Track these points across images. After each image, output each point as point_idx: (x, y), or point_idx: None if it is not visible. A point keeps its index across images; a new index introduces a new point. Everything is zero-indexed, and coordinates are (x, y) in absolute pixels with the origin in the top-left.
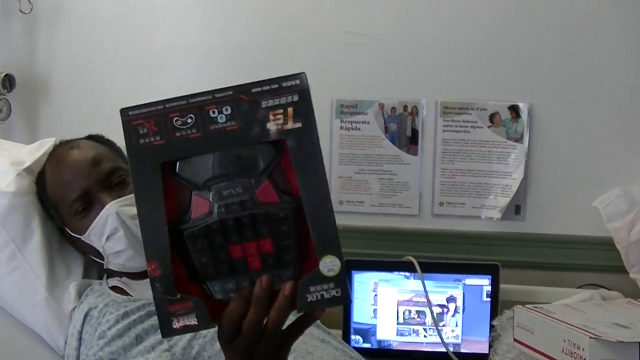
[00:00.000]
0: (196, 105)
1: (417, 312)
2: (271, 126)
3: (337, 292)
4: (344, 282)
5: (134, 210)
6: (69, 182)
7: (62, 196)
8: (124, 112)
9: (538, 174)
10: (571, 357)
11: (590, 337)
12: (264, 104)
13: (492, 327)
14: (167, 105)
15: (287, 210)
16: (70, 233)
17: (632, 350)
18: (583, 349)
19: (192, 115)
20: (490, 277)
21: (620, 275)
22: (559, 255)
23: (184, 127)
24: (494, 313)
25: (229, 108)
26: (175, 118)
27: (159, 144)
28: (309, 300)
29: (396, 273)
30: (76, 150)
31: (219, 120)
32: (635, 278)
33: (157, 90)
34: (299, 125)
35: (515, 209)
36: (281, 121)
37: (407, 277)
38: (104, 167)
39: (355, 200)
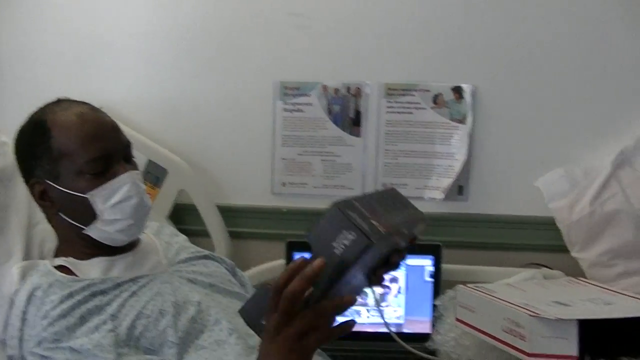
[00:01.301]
0: None
1: None
2: None
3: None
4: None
5: (144, 186)
6: (94, 139)
7: (80, 150)
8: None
9: (481, 154)
10: (511, 335)
11: (530, 315)
12: None
13: (434, 307)
14: None
15: None
16: (59, 188)
17: (570, 328)
18: (523, 327)
19: None
20: (432, 257)
21: (562, 254)
22: (502, 235)
23: None
24: (437, 293)
25: None
26: None
27: None
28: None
29: None
30: (99, 113)
31: None
32: (577, 257)
33: (101, 76)
34: None
35: (458, 189)
36: None
37: None
38: (123, 138)
39: (298, 182)
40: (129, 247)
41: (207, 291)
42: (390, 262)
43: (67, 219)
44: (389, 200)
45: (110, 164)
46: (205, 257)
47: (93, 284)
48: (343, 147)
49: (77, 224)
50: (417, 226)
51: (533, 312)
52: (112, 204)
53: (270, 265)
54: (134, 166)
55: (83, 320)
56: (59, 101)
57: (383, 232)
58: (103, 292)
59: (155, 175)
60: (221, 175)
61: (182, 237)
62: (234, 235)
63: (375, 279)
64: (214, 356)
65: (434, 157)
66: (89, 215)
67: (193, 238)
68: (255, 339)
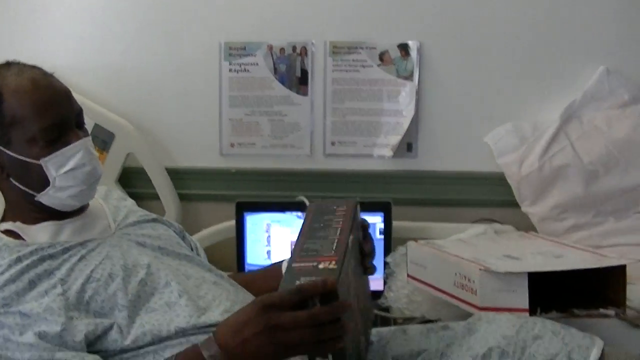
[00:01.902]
0: None
1: None
2: None
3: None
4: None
5: (96, 153)
6: (48, 106)
7: (33, 117)
8: None
9: (429, 111)
10: (463, 289)
11: (480, 269)
12: None
13: (386, 264)
14: None
15: None
16: (11, 154)
17: (521, 281)
18: (473, 281)
19: None
20: (382, 214)
21: (513, 209)
22: (452, 191)
23: None
24: (388, 250)
25: None
26: None
27: None
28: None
29: (288, 213)
30: (52, 78)
31: None
32: (527, 212)
33: (45, 40)
34: None
35: (407, 146)
36: None
37: (299, 217)
38: (75, 104)
39: (246, 142)
40: (78, 211)
41: (157, 254)
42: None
43: (18, 184)
44: (317, 220)
45: (64, 131)
46: (154, 220)
47: (41, 249)
48: (290, 107)
49: (28, 190)
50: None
51: (483, 266)
52: (65, 171)
53: (221, 227)
54: (85, 133)
55: (32, 284)
56: (9, 64)
57: (336, 267)
58: (52, 257)
59: (102, 139)
60: (169, 138)
61: (130, 201)
62: (183, 198)
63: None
64: (164, 318)
65: (382, 114)
66: (41, 181)
67: (142, 201)
68: (205, 301)
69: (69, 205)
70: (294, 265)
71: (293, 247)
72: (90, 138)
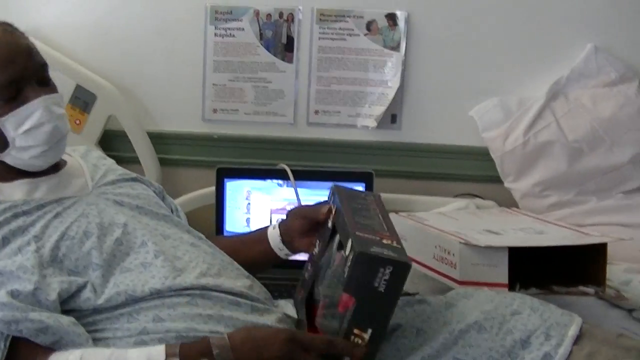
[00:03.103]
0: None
1: None
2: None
3: (351, 254)
4: (355, 244)
5: (61, 110)
6: (5, 64)
7: None
8: None
9: (415, 83)
10: (442, 262)
11: (461, 242)
12: None
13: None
14: None
15: None
16: None
17: (501, 255)
18: (453, 254)
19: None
20: (364, 184)
21: (495, 185)
22: (435, 164)
23: None
24: None
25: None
26: None
27: None
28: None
29: (269, 181)
30: (13, 35)
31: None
32: (510, 187)
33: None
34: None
35: (392, 117)
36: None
37: (280, 185)
38: (38, 59)
39: (229, 109)
40: (54, 169)
41: (134, 213)
42: None
43: None
44: (352, 201)
45: (22, 89)
46: (133, 179)
47: (15, 206)
48: (275, 74)
49: None
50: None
51: (464, 239)
52: (24, 130)
53: (201, 193)
54: (51, 88)
55: (6, 241)
56: None
57: (401, 247)
58: (26, 213)
59: (84, 100)
60: (151, 101)
61: (110, 161)
62: (164, 162)
63: None
64: (139, 278)
65: (367, 84)
66: (1, 142)
67: (123, 165)
68: (182, 262)
69: (34, 166)
70: (358, 233)
71: (339, 218)
72: (55, 95)
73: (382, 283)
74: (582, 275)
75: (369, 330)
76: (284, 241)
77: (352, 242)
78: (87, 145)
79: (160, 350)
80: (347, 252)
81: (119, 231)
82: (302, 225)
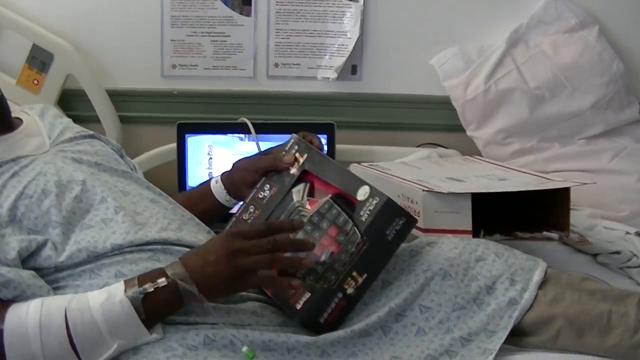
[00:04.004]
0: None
1: None
2: (293, 170)
3: (377, 200)
4: (377, 192)
5: None
6: None
7: None
8: None
9: (374, 33)
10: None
11: (423, 190)
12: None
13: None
14: None
15: None
16: None
17: (464, 202)
18: (416, 202)
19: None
20: (325, 136)
21: (458, 133)
22: (397, 114)
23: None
24: None
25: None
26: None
27: None
28: (363, 219)
29: (230, 135)
30: None
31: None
32: (472, 136)
33: None
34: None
35: (352, 68)
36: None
37: (241, 139)
38: None
39: (188, 64)
40: (8, 128)
41: (93, 170)
42: None
43: None
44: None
45: None
46: (91, 136)
47: None
48: (233, 27)
49: None
50: None
51: (426, 187)
52: None
53: (162, 150)
54: None
55: None
56: None
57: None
58: None
59: (41, 60)
60: (110, 59)
61: (67, 119)
62: (124, 120)
63: None
64: (100, 235)
65: (326, 35)
66: None
67: (83, 124)
68: (142, 218)
69: None
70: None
71: (324, 167)
72: None
73: (392, 233)
74: (546, 221)
75: (364, 275)
76: (229, 193)
77: (371, 189)
78: (43, 104)
79: (119, 284)
80: (363, 197)
81: (78, 188)
82: (252, 177)
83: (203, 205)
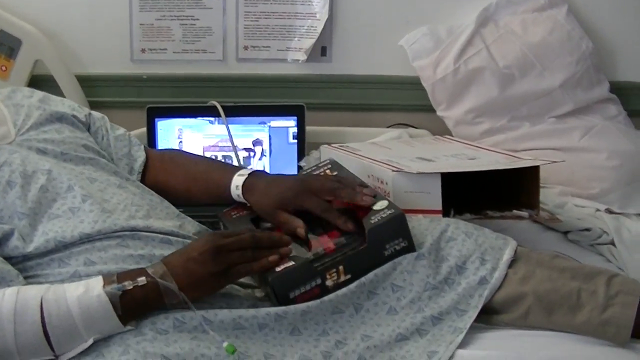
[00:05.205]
0: None
1: (224, 157)
2: None
3: (391, 211)
4: (394, 206)
5: None
6: None
7: None
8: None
9: (343, 14)
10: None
11: (393, 171)
12: None
13: (299, 167)
14: None
15: None
16: None
17: (434, 182)
18: (386, 183)
19: None
20: (295, 118)
21: (428, 114)
22: (367, 95)
23: None
24: (301, 154)
25: None
26: None
27: None
28: (372, 222)
29: (200, 118)
30: None
31: None
32: (443, 116)
33: None
34: (334, 173)
35: (321, 50)
36: None
37: (211, 123)
38: None
39: (157, 48)
40: None
41: (58, 160)
42: None
43: None
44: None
45: None
46: (59, 119)
47: None
48: (202, 10)
49: None
50: None
51: (396, 167)
52: None
53: (133, 134)
54: None
55: None
56: None
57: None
58: None
59: (8, 46)
60: (78, 44)
61: (36, 98)
62: (94, 105)
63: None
64: (68, 224)
65: (295, 17)
66: None
67: None
68: (110, 205)
69: None
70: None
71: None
72: None
73: (391, 249)
74: (517, 200)
75: (348, 276)
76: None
77: (389, 203)
78: (13, 87)
79: (97, 278)
80: (379, 208)
81: (44, 178)
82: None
83: (213, 194)
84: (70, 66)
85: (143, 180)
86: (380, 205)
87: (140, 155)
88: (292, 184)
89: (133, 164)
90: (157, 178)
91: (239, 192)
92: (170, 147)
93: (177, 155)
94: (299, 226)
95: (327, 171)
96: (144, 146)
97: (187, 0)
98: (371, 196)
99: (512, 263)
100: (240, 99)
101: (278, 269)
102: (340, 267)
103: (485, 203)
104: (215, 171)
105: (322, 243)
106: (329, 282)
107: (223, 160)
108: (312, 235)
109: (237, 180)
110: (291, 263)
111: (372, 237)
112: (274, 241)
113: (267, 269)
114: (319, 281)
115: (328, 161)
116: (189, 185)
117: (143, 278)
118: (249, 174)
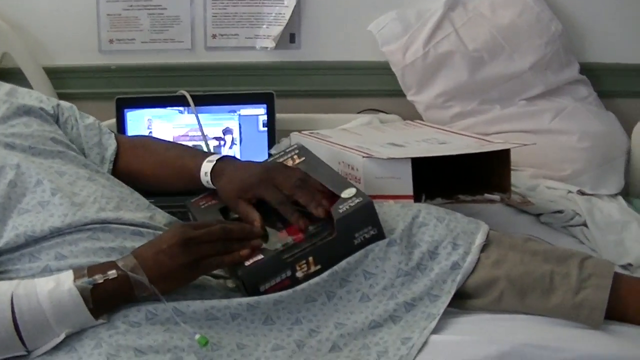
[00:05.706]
0: None
1: (194, 146)
2: None
3: (359, 199)
4: (362, 194)
5: None
6: None
7: None
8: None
9: (311, 0)
10: (347, 178)
11: (363, 157)
12: None
13: (270, 155)
14: None
15: None
16: None
17: (404, 167)
18: (357, 169)
19: None
20: (265, 105)
21: (398, 99)
22: (337, 81)
23: None
24: (272, 142)
25: None
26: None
27: None
28: (340, 211)
29: (169, 108)
30: None
31: None
32: (413, 100)
33: None
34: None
35: (290, 37)
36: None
37: (181, 112)
38: None
39: (125, 38)
40: None
41: (26, 155)
42: None
43: None
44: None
45: None
46: (27, 112)
47: None
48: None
49: None
50: None
51: (367, 153)
52: None
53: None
54: None
55: None
56: None
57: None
58: None
59: None
60: (45, 35)
61: (4, 90)
62: (62, 97)
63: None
64: (38, 218)
65: (263, 5)
66: None
67: None
68: (80, 198)
69: None
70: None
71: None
72: None
73: (360, 238)
74: (488, 184)
75: (318, 266)
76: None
77: (357, 190)
78: None
79: (68, 272)
80: (347, 196)
81: (12, 173)
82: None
83: (182, 182)
84: (38, 58)
85: (115, 167)
86: (348, 193)
87: (111, 144)
88: (257, 171)
89: (104, 153)
90: (129, 165)
91: (208, 178)
92: (141, 134)
93: (149, 142)
94: (256, 219)
95: (295, 157)
96: (115, 133)
97: None
98: (325, 208)
99: (484, 247)
100: (209, 88)
101: (247, 262)
102: (310, 258)
103: (457, 187)
104: (186, 157)
105: (291, 233)
106: (299, 274)
107: None
108: (280, 225)
109: (206, 167)
110: (260, 256)
111: (341, 226)
112: (245, 233)
113: (238, 263)
114: (289, 273)
115: (295, 146)
116: (160, 171)
117: (114, 271)
118: (218, 160)
